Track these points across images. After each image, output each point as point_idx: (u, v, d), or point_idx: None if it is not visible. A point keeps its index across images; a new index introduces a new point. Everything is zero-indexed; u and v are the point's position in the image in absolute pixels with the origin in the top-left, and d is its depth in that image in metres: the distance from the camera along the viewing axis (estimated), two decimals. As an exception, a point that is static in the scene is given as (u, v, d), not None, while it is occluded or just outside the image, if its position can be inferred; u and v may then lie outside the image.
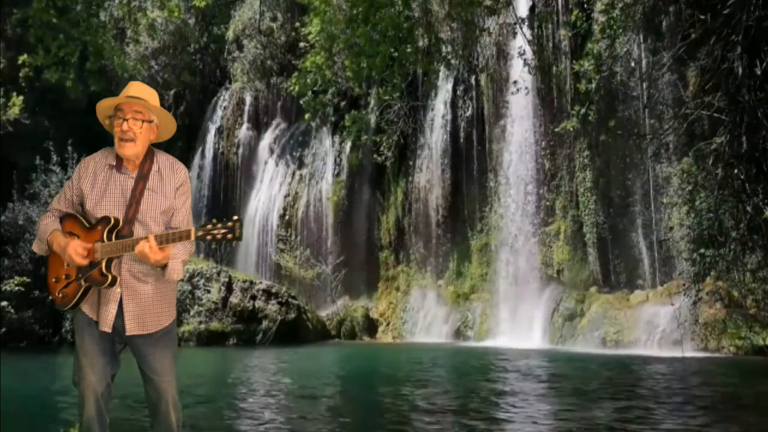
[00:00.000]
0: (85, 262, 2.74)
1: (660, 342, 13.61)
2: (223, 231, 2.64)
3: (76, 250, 2.73)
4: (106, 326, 2.80)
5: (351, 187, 21.45)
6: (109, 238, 2.76)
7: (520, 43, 12.96)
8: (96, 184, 2.85)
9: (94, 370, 2.77)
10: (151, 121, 2.89)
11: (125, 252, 2.75)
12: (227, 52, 24.93)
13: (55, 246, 2.80)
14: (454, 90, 20.22)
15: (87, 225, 2.83)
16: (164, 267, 2.79)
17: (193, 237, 2.68)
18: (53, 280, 2.87)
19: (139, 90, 2.90)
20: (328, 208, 21.37)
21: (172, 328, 2.96)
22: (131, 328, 2.81)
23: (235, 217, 2.68)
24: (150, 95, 2.91)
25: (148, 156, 2.91)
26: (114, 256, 2.77)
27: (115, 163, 2.87)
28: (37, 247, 2.91)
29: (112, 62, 11.93)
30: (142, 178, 2.87)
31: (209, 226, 2.67)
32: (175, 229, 2.83)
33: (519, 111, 18.25)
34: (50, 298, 2.91)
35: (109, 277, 2.76)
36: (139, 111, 2.85)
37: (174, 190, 2.92)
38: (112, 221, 2.78)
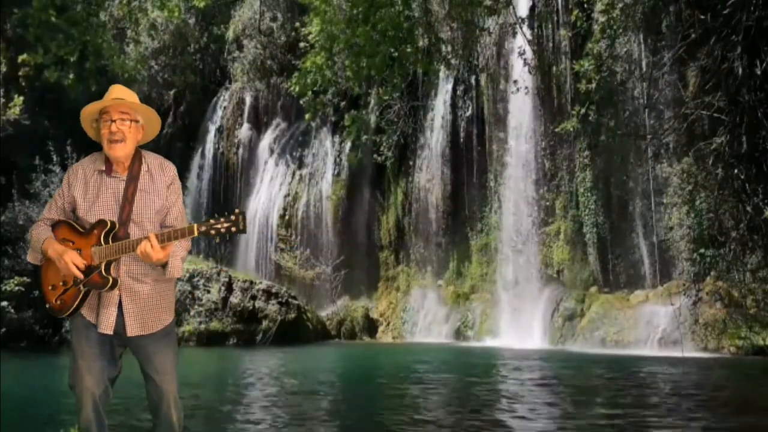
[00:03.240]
0: (80, 274, 2.74)
1: (660, 342, 13.61)
2: (226, 225, 2.65)
3: (74, 261, 2.73)
4: (108, 328, 2.79)
5: (351, 187, 21.45)
6: (106, 242, 2.76)
7: (520, 43, 12.95)
8: (87, 190, 2.86)
9: (91, 374, 2.76)
10: (137, 121, 2.91)
11: (125, 254, 2.75)
12: (227, 52, 24.92)
13: (50, 253, 2.79)
14: (454, 90, 20.21)
15: (81, 230, 2.83)
16: (164, 265, 2.80)
17: (196, 233, 2.68)
18: (49, 287, 2.85)
19: (121, 92, 2.93)
20: (328, 208, 21.37)
21: (172, 327, 2.98)
22: (132, 330, 2.82)
23: (238, 210, 2.70)
24: (133, 96, 2.94)
25: (137, 157, 2.92)
26: (113, 258, 2.76)
27: (104, 168, 2.88)
28: (31, 257, 2.90)
29: (111, 62, 11.91)
30: (133, 180, 2.88)
31: (212, 221, 2.68)
32: (172, 227, 2.84)
33: (519, 111, 18.24)
34: (48, 306, 2.87)
35: (110, 280, 2.76)
36: (125, 112, 2.87)
37: (165, 189, 2.93)
38: (108, 224, 2.78)
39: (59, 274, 2.81)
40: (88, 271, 2.75)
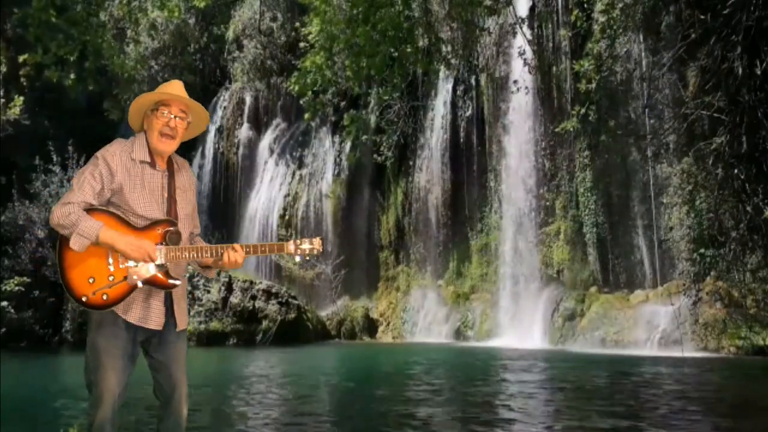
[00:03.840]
0: (157, 261, 2.73)
1: (660, 342, 13.61)
2: (309, 246, 2.86)
3: (153, 252, 2.70)
4: (158, 324, 2.80)
5: (351, 187, 21.46)
6: (166, 242, 2.77)
7: (520, 43, 12.95)
8: (131, 179, 2.76)
9: (116, 373, 2.72)
10: (189, 122, 2.92)
11: (197, 259, 2.81)
12: (227, 52, 24.92)
13: (121, 244, 2.65)
14: (454, 90, 20.22)
15: (133, 225, 2.73)
16: (206, 267, 2.91)
17: (286, 251, 2.85)
18: (88, 279, 2.68)
19: (183, 90, 2.92)
20: (328, 208, 21.37)
21: None
22: (181, 324, 2.89)
23: (319, 238, 2.92)
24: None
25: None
26: (180, 261, 2.81)
27: (149, 160, 2.82)
28: (78, 244, 2.63)
29: (111, 62, 11.91)
30: (173, 176, 2.88)
31: (299, 242, 2.87)
32: (195, 228, 2.98)
33: (519, 111, 18.25)
34: (80, 298, 2.69)
35: (177, 282, 2.81)
36: (184, 111, 2.87)
37: (193, 188, 3.00)
38: (171, 224, 2.79)
39: (103, 266, 2.69)
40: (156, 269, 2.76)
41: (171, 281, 2.79)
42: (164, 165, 2.87)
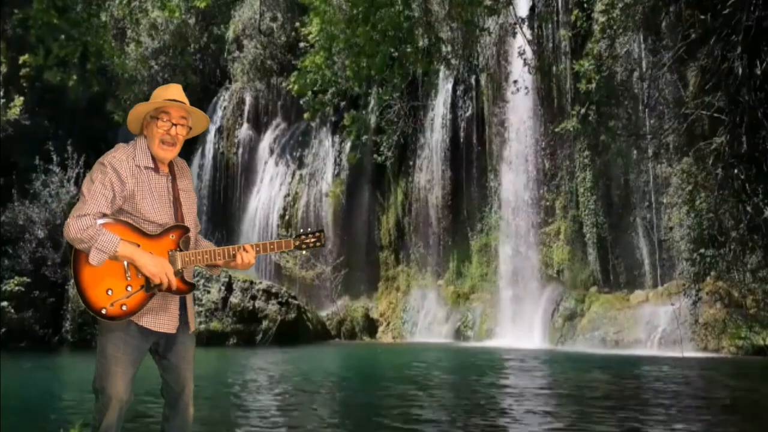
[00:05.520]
0: (176, 285, 2.76)
1: (660, 342, 13.61)
2: (313, 240, 2.94)
3: (171, 272, 2.72)
4: (174, 328, 2.84)
5: (351, 187, 21.45)
6: (179, 247, 2.80)
7: (520, 43, 12.96)
8: (138, 186, 2.77)
9: (125, 380, 2.75)
10: (190, 128, 2.92)
11: (211, 263, 2.85)
12: (227, 52, 24.93)
13: (140, 260, 2.67)
14: (454, 90, 20.22)
15: (146, 232, 2.74)
16: (214, 266, 2.95)
17: (293, 246, 2.90)
18: (106, 291, 2.69)
19: (182, 95, 2.90)
20: (328, 208, 21.37)
21: None
22: (193, 325, 2.95)
23: (319, 228, 3.01)
24: (186, 101, 2.93)
25: None
26: (197, 265, 2.85)
27: (152, 165, 2.82)
28: (96, 259, 2.63)
29: (112, 62, 11.93)
30: (175, 180, 2.89)
31: (303, 237, 2.95)
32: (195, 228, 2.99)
33: (519, 111, 18.25)
34: (99, 310, 2.69)
35: (192, 285, 2.86)
36: (184, 117, 2.86)
37: (193, 190, 3.04)
38: (184, 230, 2.82)
39: (121, 278, 2.70)
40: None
41: (187, 286, 2.84)
42: (166, 169, 2.89)
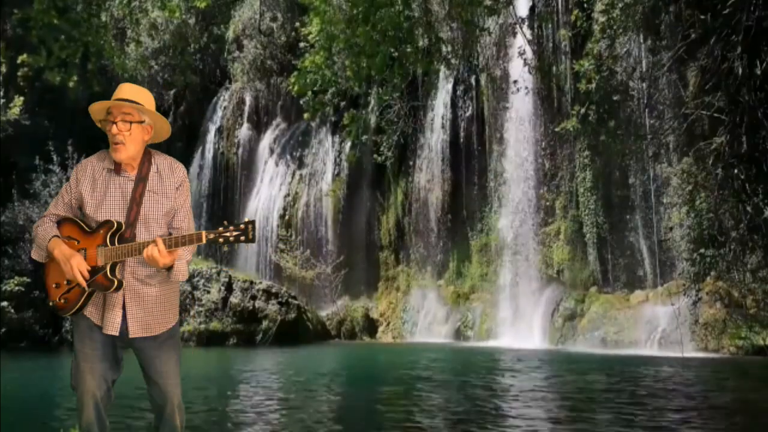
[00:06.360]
0: (84, 282, 2.71)
1: (660, 342, 13.62)
2: (235, 233, 2.64)
3: (79, 266, 2.70)
4: (113, 330, 2.77)
5: (351, 187, 21.45)
6: (112, 242, 2.74)
7: (520, 43, 12.97)
8: (95, 187, 2.81)
9: (93, 375, 2.75)
10: (142, 122, 2.84)
11: (131, 256, 2.72)
12: (227, 52, 24.93)
13: (56, 254, 2.74)
14: (454, 90, 20.22)
15: (87, 229, 2.79)
16: (170, 269, 2.77)
17: (204, 240, 2.67)
18: (53, 285, 2.82)
19: (128, 92, 2.85)
20: (328, 208, 21.37)
21: (176, 330, 2.96)
22: (135, 331, 2.79)
23: (248, 219, 2.69)
24: (141, 96, 2.86)
25: (146, 157, 2.88)
26: (118, 260, 2.75)
27: (113, 167, 2.83)
28: (36, 254, 2.84)
29: (112, 62, 11.92)
30: (142, 180, 2.84)
31: (221, 229, 2.66)
32: (178, 230, 2.85)
33: (519, 111, 18.25)
34: (51, 303, 2.83)
35: (115, 282, 2.74)
36: (128, 113, 2.81)
37: (174, 190, 2.89)
38: (115, 225, 2.75)
39: (64, 273, 2.78)
40: (93, 271, 2.74)
41: (110, 283, 2.74)
42: (134, 170, 2.85)
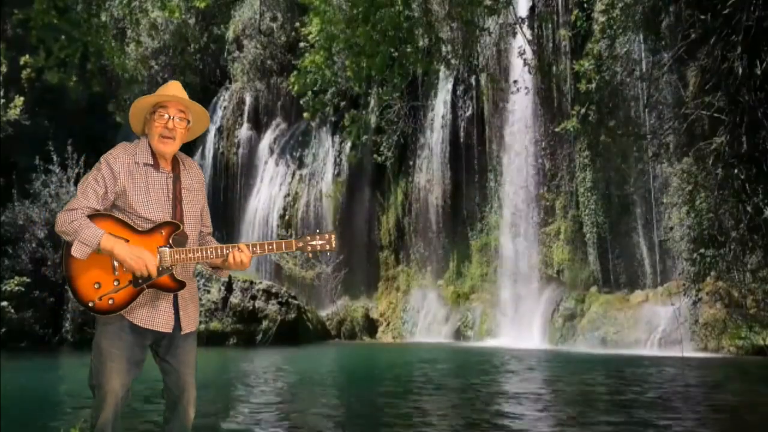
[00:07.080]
0: (156, 275, 2.71)
1: (660, 342, 13.62)
2: (321, 242, 2.76)
3: (151, 263, 2.68)
4: (167, 327, 2.80)
5: (351, 187, 21.46)
6: (168, 243, 2.75)
7: (520, 43, 12.97)
8: (135, 183, 2.76)
9: (119, 376, 2.73)
10: (189, 122, 2.90)
11: (202, 261, 2.79)
12: (227, 52, 24.93)
13: (118, 250, 2.64)
14: (454, 90, 20.22)
15: (137, 228, 2.73)
16: (217, 268, 2.90)
17: (294, 248, 2.76)
18: (93, 284, 2.69)
19: (181, 90, 2.91)
20: (328, 208, 21.37)
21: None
22: (187, 326, 2.87)
23: (331, 230, 2.85)
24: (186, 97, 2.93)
25: (175, 155, 2.93)
26: (187, 263, 2.79)
27: (152, 162, 2.82)
28: (79, 251, 2.65)
29: (112, 62, 11.93)
30: (178, 178, 2.87)
31: (308, 238, 2.78)
32: (206, 229, 2.98)
33: (519, 111, 18.26)
34: (87, 303, 2.70)
35: (182, 283, 2.79)
36: (182, 111, 2.87)
37: (202, 189, 2.99)
38: (176, 227, 2.77)
39: (108, 271, 2.69)
40: (157, 273, 2.72)
41: (176, 284, 2.78)
42: (169, 167, 2.87)
